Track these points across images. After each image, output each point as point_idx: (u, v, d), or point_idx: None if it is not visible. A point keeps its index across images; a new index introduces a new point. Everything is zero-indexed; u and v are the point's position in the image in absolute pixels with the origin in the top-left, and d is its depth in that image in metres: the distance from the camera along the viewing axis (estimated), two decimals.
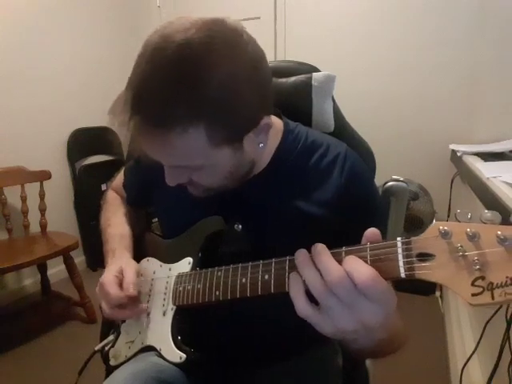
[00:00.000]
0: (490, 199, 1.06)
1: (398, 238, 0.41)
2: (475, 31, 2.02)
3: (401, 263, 0.40)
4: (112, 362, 0.72)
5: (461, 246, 0.36)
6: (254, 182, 0.65)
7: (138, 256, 0.76)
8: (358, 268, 0.39)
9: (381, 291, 0.39)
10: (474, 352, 1.24)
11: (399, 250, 0.40)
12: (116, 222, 0.82)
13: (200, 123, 0.48)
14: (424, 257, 0.39)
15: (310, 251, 0.44)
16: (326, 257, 0.42)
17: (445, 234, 0.37)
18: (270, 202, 0.65)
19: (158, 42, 0.48)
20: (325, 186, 0.64)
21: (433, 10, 2.12)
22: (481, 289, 0.35)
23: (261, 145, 0.59)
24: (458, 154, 1.75)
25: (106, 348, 0.73)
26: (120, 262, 0.70)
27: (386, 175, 0.87)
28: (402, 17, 2.20)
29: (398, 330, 0.53)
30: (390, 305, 0.40)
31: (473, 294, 0.35)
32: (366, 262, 0.41)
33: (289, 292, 0.44)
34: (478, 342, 1.21)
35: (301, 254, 0.44)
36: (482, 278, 0.35)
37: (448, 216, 2.16)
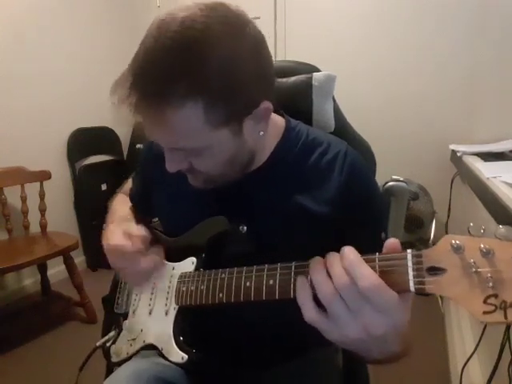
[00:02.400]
0: (490, 199, 1.06)
1: (409, 251, 0.40)
2: (475, 31, 2.02)
3: (410, 276, 0.39)
4: (114, 359, 0.71)
5: (474, 262, 0.35)
6: (255, 176, 0.65)
7: None
8: (361, 272, 0.39)
9: (385, 300, 0.38)
10: (474, 352, 1.24)
11: (409, 263, 0.39)
12: (122, 210, 0.82)
13: (198, 100, 0.48)
14: (434, 271, 0.38)
15: (318, 254, 0.44)
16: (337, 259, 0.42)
17: (457, 249, 0.36)
18: (271, 201, 0.65)
19: (163, 20, 0.49)
20: (326, 184, 0.64)
21: (433, 10, 2.12)
22: (493, 307, 0.34)
23: (261, 133, 0.59)
24: (458, 154, 1.75)
25: (108, 344, 0.73)
26: (119, 226, 0.70)
27: (386, 175, 0.87)
28: (402, 17, 2.20)
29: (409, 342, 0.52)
30: (398, 317, 0.39)
31: (484, 312, 0.34)
32: (375, 272, 0.40)
33: (296, 297, 0.43)
34: (478, 342, 1.21)
35: (316, 261, 0.44)
36: (495, 296, 0.34)
37: (448, 216, 2.16)
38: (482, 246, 0.35)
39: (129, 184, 0.89)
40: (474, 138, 1.93)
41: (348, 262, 0.40)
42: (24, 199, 2.01)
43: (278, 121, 0.68)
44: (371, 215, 0.65)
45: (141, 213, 0.84)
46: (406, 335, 0.43)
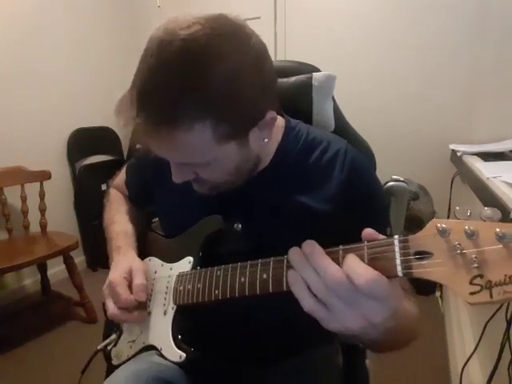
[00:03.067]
0: (490, 199, 1.06)
1: (396, 236, 0.40)
2: (475, 31, 2.02)
3: (398, 261, 0.39)
4: (114, 362, 0.72)
5: (459, 244, 0.36)
6: (257, 179, 0.65)
7: (140, 255, 0.76)
8: (356, 270, 0.39)
9: (382, 289, 0.39)
10: (474, 352, 1.24)
11: (396, 249, 0.40)
12: (120, 220, 0.82)
13: (206, 120, 0.48)
14: (422, 255, 0.38)
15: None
16: (320, 257, 0.41)
17: (443, 232, 0.37)
18: (272, 200, 0.65)
19: (163, 37, 0.48)
20: (327, 182, 0.64)
21: (433, 10, 2.12)
22: (479, 287, 0.34)
23: (265, 140, 0.59)
24: (458, 154, 1.75)
25: (109, 347, 0.73)
26: (127, 260, 0.70)
27: (386, 175, 0.87)
28: (402, 17, 2.20)
29: (409, 316, 0.53)
30: (395, 299, 0.40)
31: (471, 293, 0.35)
32: (363, 260, 0.41)
33: (291, 289, 0.43)
34: (478, 342, 1.21)
35: (295, 254, 0.43)
36: (481, 276, 0.34)
37: (448, 216, 2.15)
38: (467, 227, 0.35)
39: (121, 176, 0.89)
40: (474, 137, 1.93)
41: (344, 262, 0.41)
42: (24, 199, 2.01)
43: (278, 122, 0.68)
44: (374, 211, 0.65)
45: (135, 198, 0.86)
46: (401, 312, 0.44)
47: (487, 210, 0.36)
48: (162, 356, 0.64)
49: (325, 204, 0.63)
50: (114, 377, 0.64)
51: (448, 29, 2.11)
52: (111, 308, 0.66)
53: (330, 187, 0.63)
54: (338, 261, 0.41)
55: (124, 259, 0.71)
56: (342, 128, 0.84)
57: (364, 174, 0.67)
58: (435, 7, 2.11)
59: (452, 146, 1.95)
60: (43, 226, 2.05)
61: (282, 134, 0.67)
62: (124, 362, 0.70)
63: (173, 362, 0.63)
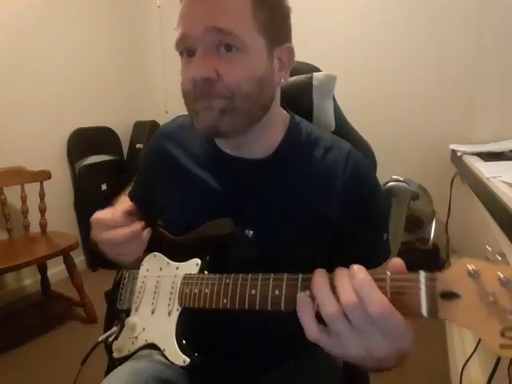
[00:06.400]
0: (490, 199, 1.06)
1: (421, 272, 0.38)
2: (476, 31, 2.02)
3: (423, 301, 0.36)
4: (115, 355, 0.71)
5: (492, 291, 0.33)
6: (262, 169, 0.65)
7: (145, 250, 0.75)
8: (372, 296, 0.37)
9: (396, 326, 0.37)
10: (474, 352, 1.24)
11: (422, 286, 0.37)
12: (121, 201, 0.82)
13: None
14: (448, 296, 0.35)
15: (325, 259, 0.43)
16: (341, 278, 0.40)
17: (473, 275, 0.34)
18: (282, 204, 0.64)
19: None
20: (331, 182, 0.64)
21: (433, 8, 2.12)
22: (511, 341, 0.32)
23: (282, 80, 0.62)
24: (458, 154, 1.76)
25: (110, 339, 0.73)
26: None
27: (385, 175, 0.86)
28: (402, 16, 2.20)
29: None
30: (404, 341, 0.38)
31: (502, 346, 0.32)
32: (385, 293, 0.38)
33: (298, 315, 0.42)
34: (478, 342, 1.21)
35: (319, 275, 0.42)
36: None
37: (448, 216, 2.16)
38: (501, 274, 0.33)
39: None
40: (474, 138, 1.93)
41: (358, 282, 0.39)
42: (24, 199, 2.01)
43: (282, 114, 0.69)
44: (374, 215, 0.65)
45: (144, 213, 0.84)
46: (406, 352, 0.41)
47: None
48: (164, 356, 0.64)
49: (329, 207, 0.62)
50: (114, 375, 0.64)
51: (448, 29, 2.11)
52: (101, 237, 0.64)
53: (335, 188, 0.63)
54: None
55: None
56: (343, 128, 0.84)
57: (367, 177, 0.67)
58: (436, 6, 2.11)
59: (452, 146, 1.95)
60: (43, 226, 2.05)
61: (287, 125, 0.68)
62: (125, 357, 0.69)
63: (175, 365, 0.62)
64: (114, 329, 0.72)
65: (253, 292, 0.51)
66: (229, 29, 0.53)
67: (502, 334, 0.32)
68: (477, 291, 0.34)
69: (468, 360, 1.26)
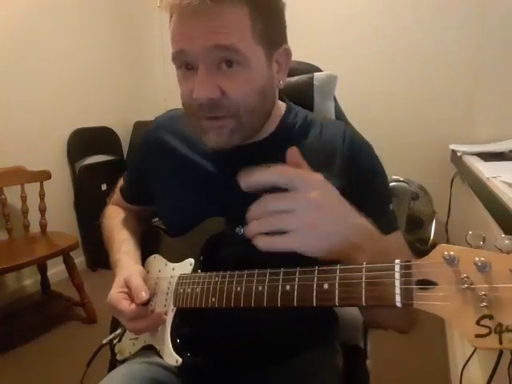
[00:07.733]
0: (490, 199, 1.06)
1: (397, 261, 0.37)
2: (476, 31, 2.02)
3: (397, 290, 0.35)
4: (118, 357, 0.73)
5: (467, 277, 0.31)
6: (257, 151, 0.64)
7: (146, 251, 0.76)
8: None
9: (312, 182, 0.44)
10: (474, 352, 1.24)
11: (397, 275, 0.36)
12: (117, 229, 0.80)
13: (244, 6, 0.53)
14: (425, 284, 0.34)
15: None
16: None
17: (450, 261, 0.32)
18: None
19: None
20: (331, 158, 0.64)
21: (433, 8, 2.13)
22: (487, 329, 0.30)
23: (281, 82, 0.62)
24: (458, 154, 1.76)
25: (114, 341, 0.73)
26: (119, 273, 0.68)
27: None
28: (401, 15, 2.21)
29: (396, 245, 0.56)
30: (339, 208, 0.45)
31: (477, 335, 0.31)
32: (360, 283, 0.38)
33: (246, 233, 0.45)
34: None
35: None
36: (490, 317, 0.30)
37: (448, 216, 2.16)
38: (477, 258, 0.31)
39: (117, 192, 0.87)
40: (474, 137, 1.93)
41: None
42: (24, 199, 2.01)
43: (279, 103, 0.70)
44: (378, 184, 0.66)
45: (133, 199, 0.84)
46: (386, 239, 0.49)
47: (505, 240, 0.31)
48: (160, 357, 0.64)
49: (334, 183, 0.62)
50: (109, 378, 0.64)
51: (448, 29, 2.11)
52: (125, 324, 0.64)
53: (335, 162, 0.64)
54: (334, 279, 0.40)
55: (119, 272, 0.69)
56: None
57: (365, 150, 0.68)
58: (436, 6, 2.12)
59: (452, 146, 1.95)
60: (43, 226, 2.05)
61: (283, 112, 0.69)
62: (127, 359, 0.70)
63: (169, 365, 0.63)
64: (118, 331, 0.73)
65: (238, 289, 0.51)
66: (231, 45, 0.53)
67: (478, 323, 0.31)
68: (453, 278, 0.33)
69: (468, 360, 1.26)
